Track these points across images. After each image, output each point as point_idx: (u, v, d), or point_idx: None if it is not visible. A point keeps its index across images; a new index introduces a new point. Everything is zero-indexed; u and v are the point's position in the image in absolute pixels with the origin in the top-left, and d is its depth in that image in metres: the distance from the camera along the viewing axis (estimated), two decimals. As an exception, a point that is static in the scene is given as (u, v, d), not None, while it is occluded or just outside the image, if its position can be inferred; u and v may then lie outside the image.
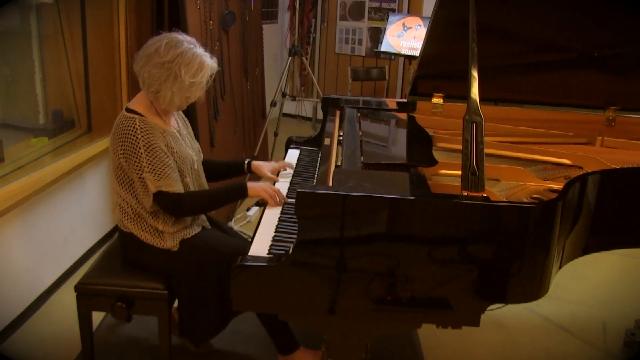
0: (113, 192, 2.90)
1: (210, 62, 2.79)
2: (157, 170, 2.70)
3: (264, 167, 3.27)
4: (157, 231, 2.86)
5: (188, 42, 2.74)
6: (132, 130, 2.68)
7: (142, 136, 2.68)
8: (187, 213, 2.88)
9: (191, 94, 2.78)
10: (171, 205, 2.78)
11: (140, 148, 2.67)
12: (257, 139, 5.93)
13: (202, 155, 3.20)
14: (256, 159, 5.66)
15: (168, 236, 2.86)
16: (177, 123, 2.99)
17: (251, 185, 2.91)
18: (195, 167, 3.00)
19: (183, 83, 2.69)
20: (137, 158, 2.68)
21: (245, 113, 5.58)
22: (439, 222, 2.16)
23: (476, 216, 2.14)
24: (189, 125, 3.15)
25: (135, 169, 2.70)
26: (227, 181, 3.17)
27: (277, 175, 3.28)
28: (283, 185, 3.17)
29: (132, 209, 2.86)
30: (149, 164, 2.68)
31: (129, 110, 2.77)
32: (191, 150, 2.98)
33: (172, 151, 2.79)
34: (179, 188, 2.77)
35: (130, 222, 2.88)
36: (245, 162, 3.29)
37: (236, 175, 3.33)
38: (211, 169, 3.24)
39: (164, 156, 2.72)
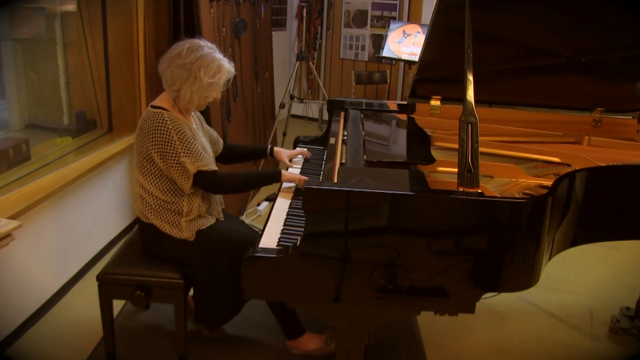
0: (136, 184, 2.91)
1: (228, 66, 2.85)
2: (193, 153, 2.75)
3: (283, 153, 3.37)
4: (176, 219, 2.88)
5: (208, 47, 2.80)
6: (163, 123, 2.72)
7: (173, 126, 2.73)
8: (225, 189, 2.96)
9: (209, 94, 2.83)
10: (211, 182, 2.84)
11: (173, 137, 2.71)
12: (267, 139, 5.94)
13: (221, 141, 3.27)
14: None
15: (185, 226, 2.87)
16: (195, 121, 3.02)
17: (285, 172, 3.00)
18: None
19: (202, 83, 2.74)
20: (172, 147, 2.72)
21: (256, 114, 5.58)
22: (437, 216, 2.16)
23: (471, 210, 2.15)
24: (204, 122, 3.17)
25: (172, 157, 2.73)
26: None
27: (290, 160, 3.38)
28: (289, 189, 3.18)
29: (154, 199, 2.87)
30: (184, 149, 2.73)
31: (154, 106, 2.81)
32: (208, 146, 3.01)
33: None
34: (214, 166, 2.83)
35: (151, 212, 2.89)
36: (268, 147, 3.38)
37: (257, 159, 3.49)
38: (235, 152, 3.37)
39: (194, 141, 2.78)
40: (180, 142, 2.73)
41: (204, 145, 2.91)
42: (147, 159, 2.80)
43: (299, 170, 3.19)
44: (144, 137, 2.78)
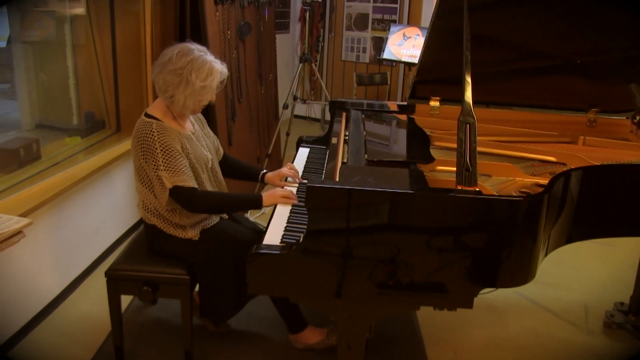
0: (137, 190, 2.90)
1: (220, 67, 2.77)
2: (172, 168, 2.68)
3: (274, 179, 3.17)
4: (177, 224, 2.86)
5: (198, 50, 2.73)
6: (150, 133, 2.68)
7: (158, 138, 2.68)
8: (200, 208, 2.83)
9: (203, 97, 2.76)
10: (185, 198, 2.74)
11: (156, 148, 2.67)
12: (271, 138, 5.94)
13: (221, 150, 3.21)
14: (270, 156, 5.68)
15: (189, 227, 2.86)
16: (193, 126, 2.98)
17: (265, 195, 2.84)
18: (210, 165, 2.98)
19: (194, 87, 2.68)
20: (154, 157, 2.68)
21: (260, 115, 5.58)
22: (436, 214, 2.16)
23: (470, 208, 2.15)
24: (206, 126, 3.14)
25: (153, 168, 2.69)
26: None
27: (286, 179, 3.20)
28: (292, 187, 3.13)
29: (153, 206, 2.86)
30: (164, 162, 2.67)
31: (147, 115, 2.78)
32: (206, 151, 2.97)
33: (186, 152, 2.78)
34: (193, 184, 2.74)
35: (153, 216, 2.88)
36: (261, 173, 3.23)
37: (250, 180, 3.31)
38: (230, 167, 3.24)
39: (178, 155, 2.71)
40: (162, 154, 2.68)
41: (198, 153, 2.87)
42: (141, 168, 2.78)
43: (295, 189, 3.12)
44: (135, 146, 2.76)
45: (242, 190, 4.80)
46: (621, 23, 2.99)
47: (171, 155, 2.69)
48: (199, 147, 2.92)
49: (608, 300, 3.84)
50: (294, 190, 3.02)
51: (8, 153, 3.44)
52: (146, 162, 2.71)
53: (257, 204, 2.85)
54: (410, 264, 2.20)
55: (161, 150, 2.68)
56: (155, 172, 2.70)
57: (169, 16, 4.52)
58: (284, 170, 3.18)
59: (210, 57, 2.75)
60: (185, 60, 2.67)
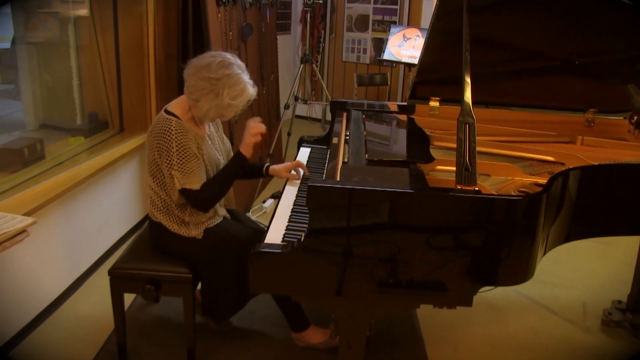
0: (146, 185, 2.90)
1: (252, 90, 2.78)
2: (185, 170, 2.69)
3: (280, 170, 3.20)
4: (183, 222, 2.87)
5: (238, 66, 2.73)
6: (168, 130, 2.68)
7: (176, 136, 2.67)
8: (207, 203, 2.84)
9: (226, 113, 2.78)
10: (193, 201, 2.78)
11: (172, 147, 2.67)
12: (272, 139, 5.93)
13: (232, 154, 3.20)
14: (271, 155, 5.68)
15: (193, 226, 2.86)
16: (209, 127, 2.98)
17: (241, 149, 2.90)
18: (220, 168, 2.99)
19: (222, 101, 2.68)
20: (168, 155, 2.68)
21: (262, 115, 5.57)
22: (436, 213, 2.16)
23: (469, 208, 2.15)
24: (220, 128, 3.15)
25: (166, 165, 2.70)
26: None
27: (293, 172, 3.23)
28: (293, 187, 3.14)
29: (162, 202, 2.86)
30: (179, 163, 2.68)
31: (167, 112, 2.77)
32: (219, 154, 2.98)
33: (201, 153, 2.79)
34: (199, 187, 2.76)
35: (160, 213, 2.88)
36: (264, 166, 3.25)
37: (256, 177, 3.38)
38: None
39: (193, 157, 2.71)
40: (178, 154, 2.68)
41: (211, 155, 2.87)
42: (154, 163, 2.78)
43: (296, 187, 3.11)
44: (151, 141, 2.76)
45: (245, 187, 4.83)
46: (620, 23, 3.00)
47: (186, 157, 2.69)
48: (212, 149, 2.93)
49: (606, 298, 3.84)
50: (297, 184, 3.06)
51: (12, 153, 3.45)
52: (160, 157, 2.71)
53: (240, 159, 2.90)
54: (410, 263, 2.20)
55: (177, 149, 2.68)
56: (168, 169, 2.70)
57: (171, 17, 4.52)
58: (290, 164, 3.21)
59: (246, 77, 2.74)
60: (223, 73, 2.66)
